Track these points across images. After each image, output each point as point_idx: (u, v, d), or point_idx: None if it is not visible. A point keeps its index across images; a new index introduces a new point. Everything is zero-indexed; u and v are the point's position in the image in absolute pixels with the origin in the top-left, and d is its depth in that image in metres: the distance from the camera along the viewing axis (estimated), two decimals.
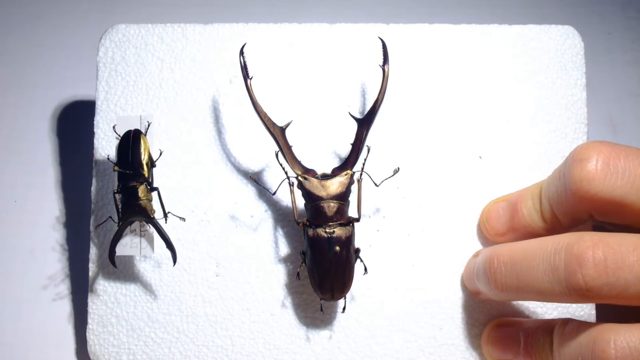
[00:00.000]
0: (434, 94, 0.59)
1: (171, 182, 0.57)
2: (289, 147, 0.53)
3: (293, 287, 0.56)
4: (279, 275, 0.56)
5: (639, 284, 0.43)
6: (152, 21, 0.60)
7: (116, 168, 0.53)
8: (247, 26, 0.60)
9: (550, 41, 0.60)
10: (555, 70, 0.59)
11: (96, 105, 0.59)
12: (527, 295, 0.49)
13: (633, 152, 0.46)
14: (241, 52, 0.52)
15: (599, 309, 0.56)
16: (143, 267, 0.57)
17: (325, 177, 0.52)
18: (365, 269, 0.54)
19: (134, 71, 0.59)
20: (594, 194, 0.46)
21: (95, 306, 0.57)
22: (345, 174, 0.52)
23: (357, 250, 0.53)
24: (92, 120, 0.59)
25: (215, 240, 0.57)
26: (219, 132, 0.58)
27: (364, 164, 0.53)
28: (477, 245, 0.57)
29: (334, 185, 0.51)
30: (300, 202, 0.53)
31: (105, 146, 0.58)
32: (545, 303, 0.56)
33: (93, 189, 0.57)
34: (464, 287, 0.56)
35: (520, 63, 0.59)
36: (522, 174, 0.57)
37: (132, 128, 0.54)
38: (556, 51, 0.59)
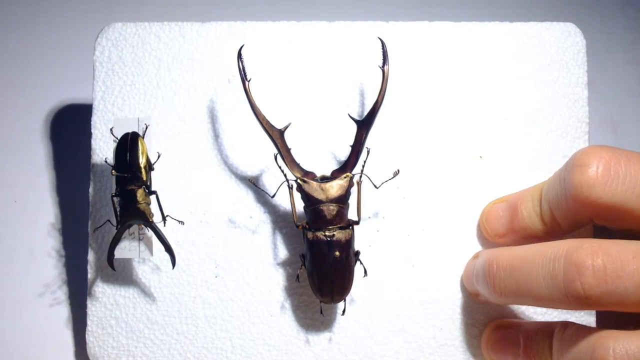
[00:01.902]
0: (434, 93, 0.58)
1: (169, 184, 0.57)
2: (288, 150, 0.52)
3: (292, 288, 0.56)
4: (279, 277, 0.56)
5: (638, 292, 0.43)
6: (149, 20, 0.60)
7: (114, 172, 0.52)
8: (245, 24, 0.59)
9: (552, 39, 0.59)
10: (557, 68, 0.59)
11: (93, 106, 0.58)
12: (526, 300, 0.49)
13: (634, 157, 0.46)
14: (239, 55, 0.52)
15: (599, 311, 0.56)
16: (142, 269, 0.57)
17: (324, 179, 0.52)
18: (365, 272, 0.54)
19: (131, 70, 0.59)
20: (594, 200, 0.46)
21: (94, 308, 0.57)
22: (345, 177, 0.51)
23: (357, 253, 0.53)
24: (90, 120, 0.58)
25: (214, 242, 0.57)
26: (217, 133, 0.58)
27: (363, 166, 0.52)
28: (477, 246, 0.57)
29: (334, 188, 0.51)
30: (300, 205, 0.52)
31: (103, 147, 0.58)
32: None
33: (91, 191, 0.57)
34: (464, 288, 0.56)
35: (521, 61, 0.59)
36: (523, 173, 0.57)
37: (130, 130, 0.54)
38: (557, 49, 0.59)
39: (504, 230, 0.54)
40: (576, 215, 0.48)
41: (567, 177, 0.47)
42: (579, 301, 0.44)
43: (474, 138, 0.58)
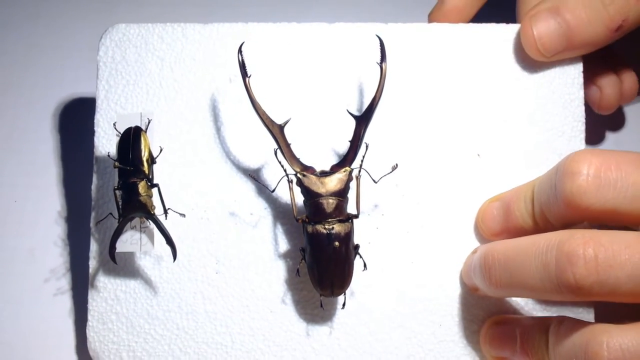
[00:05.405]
0: (432, 93, 0.59)
1: (171, 180, 0.57)
2: (288, 145, 0.53)
3: (293, 283, 0.57)
4: (279, 272, 0.57)
5: (630, 283, 0.43)
6: (152, 21, 0.61)
7: (117, 164, 0.53)
8: (247, 25, 0.60)
9: None
10: (553, 68, 0.59)
11: (97, 104, 0.59)
12: (520, 292, 0.49)
13: (624, 160, 0.46)
14: (240, 51, 0.53)
15: (598, 306, 0.56)
16: (143, 263, 0.57)
17: (324, 174, 0.52)
18: (365, 265, 0.54)
19: (134, 70, 0.60)
20: (587, 207, 0.46)
21: (95, 303, 0.57)
22: (344, 171, 0.52)
23: (357, 247, 0.54)
24: (93, 118, 0.59)
25: (215, 238, 0.57)
26: (219, 130, 0.58)
27: (362, 161, 0.53)
28: (476, 243, 0.57)
29: (333, 182, 0.52)
30: (300, 199, 0.53)
31: (106, 144, 0.58)
32: (543, 300, 0.56)
33: (93, 186, 0.58)
34: (463, 283, 0.57)
35: (519, 61, 0.59)
36: (520, 172, 0.57)
37: (133, 125, 0.55)
38: None
39: (499, 229, 0.54)
40: (569, 219, 0.48)
41: (558, 184, 0.47)
42: (571, 291, 0.44)
43: (472, 137, 0.58)
